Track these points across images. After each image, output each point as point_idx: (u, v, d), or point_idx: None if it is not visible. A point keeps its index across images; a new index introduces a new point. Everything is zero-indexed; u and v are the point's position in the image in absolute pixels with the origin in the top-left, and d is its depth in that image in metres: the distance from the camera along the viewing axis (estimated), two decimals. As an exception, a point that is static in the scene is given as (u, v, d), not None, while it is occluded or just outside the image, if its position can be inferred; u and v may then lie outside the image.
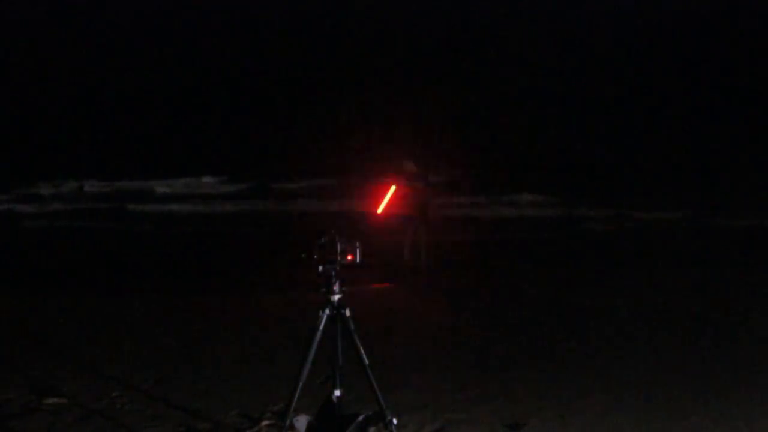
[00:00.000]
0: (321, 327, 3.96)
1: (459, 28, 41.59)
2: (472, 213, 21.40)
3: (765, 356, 6.35)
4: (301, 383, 3.93)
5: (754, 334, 7.19)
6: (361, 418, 4.07)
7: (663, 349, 6.75)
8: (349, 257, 3.99)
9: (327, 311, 3.98)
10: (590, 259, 13.67)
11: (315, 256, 3.99)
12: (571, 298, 9.21)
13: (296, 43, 39.84)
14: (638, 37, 39.99)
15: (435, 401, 5.21)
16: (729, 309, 8.37)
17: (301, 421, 4.10)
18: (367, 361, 3.97)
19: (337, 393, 4.08)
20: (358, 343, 3.97)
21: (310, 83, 35.79)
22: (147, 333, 7.58)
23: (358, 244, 4.01)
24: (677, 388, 5.49)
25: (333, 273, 4.00)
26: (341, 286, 4.02)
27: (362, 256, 4.03)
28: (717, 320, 7.82)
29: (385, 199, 11.10)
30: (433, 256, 11.64)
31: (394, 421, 4.04)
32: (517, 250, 14.95)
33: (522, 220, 20.63)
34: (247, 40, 41.04)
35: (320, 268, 4.00)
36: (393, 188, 11.14)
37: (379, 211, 11.16)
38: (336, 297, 3.99)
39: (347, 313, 3.99)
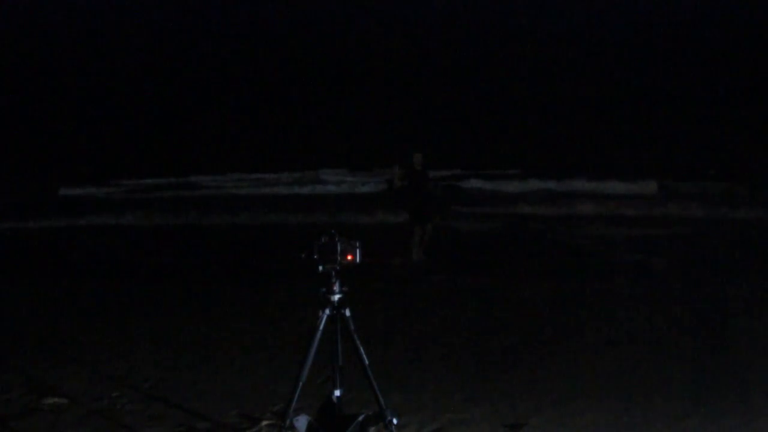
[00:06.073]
0: (321, 327, 3.96)
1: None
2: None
3: (764, 356, 6.34)
4: (301, 383, 3.93)
5: (753, 334, 7.19)
6: (361, 418, 4.07)
7: (663, 348, 6.74)
8: (349, 257, 3.98)
9: (327, 311, 3.98)
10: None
11: (315, 256, 3.99)
12: (571, 297, 9.21)
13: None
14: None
15: (435, 401, 5.21)
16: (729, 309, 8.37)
17: (301, 421, 4.09)
18: (367, 361, 3.97)
19: (337, 393, 4.08)
20: (358, 343, 3.96)
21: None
22: (146, 332, 7.59)
23: (357, 244, 4.00)
24: (677, 388, 5.49)
25: (333, 273, 4.00)
26: (341, 286, 4.02)
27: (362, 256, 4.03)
28: (717, 320, 7.82)
29: None
30: None
31: (394, 421, 4.04)
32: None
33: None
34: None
35: (320, 268, 3.99)
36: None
37: None
38: (336, 297, 3.99)
39: (347, 313, 3.99)
